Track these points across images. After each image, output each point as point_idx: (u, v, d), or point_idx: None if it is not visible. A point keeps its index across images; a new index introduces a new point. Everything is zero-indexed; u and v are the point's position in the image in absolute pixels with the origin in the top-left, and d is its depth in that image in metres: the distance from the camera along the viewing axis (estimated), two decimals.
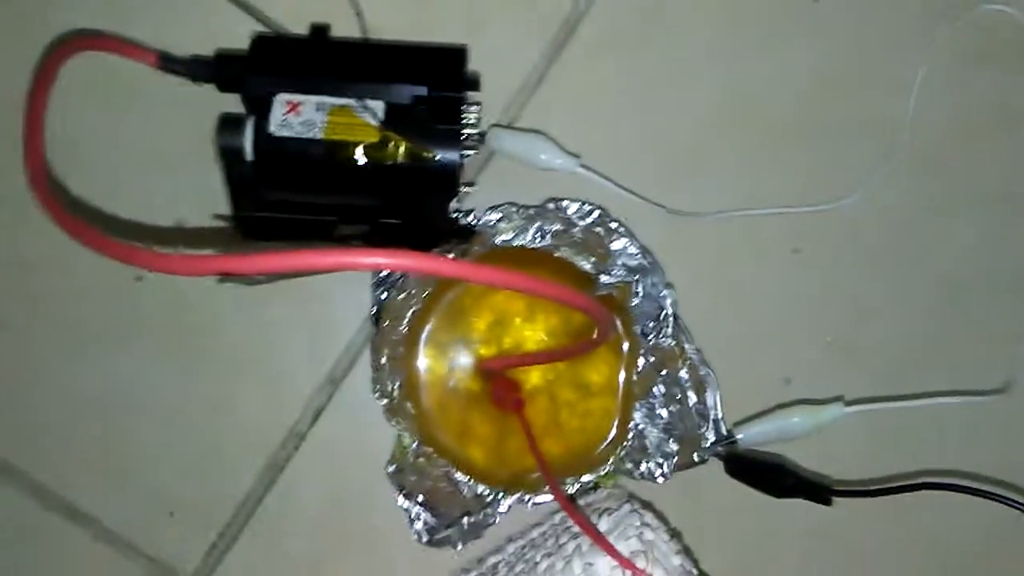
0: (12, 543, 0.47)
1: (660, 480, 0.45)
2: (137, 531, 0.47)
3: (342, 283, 0.47)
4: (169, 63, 0.43)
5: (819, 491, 0.43)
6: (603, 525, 0.38)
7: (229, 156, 0.40)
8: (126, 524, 0.47)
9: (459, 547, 0.45)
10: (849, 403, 0.46)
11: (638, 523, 0.38)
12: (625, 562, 0.34)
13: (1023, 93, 0.49)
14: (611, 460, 0.46)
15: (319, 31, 0.45)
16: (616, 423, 0.46)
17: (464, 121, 0.41)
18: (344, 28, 0.45)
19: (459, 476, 0.45)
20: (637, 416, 0.46)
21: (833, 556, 0.48)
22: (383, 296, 0.45)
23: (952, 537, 0.49)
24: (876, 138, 0.48)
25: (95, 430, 0.47)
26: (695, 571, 0.40)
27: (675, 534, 0.43)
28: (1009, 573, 0.50)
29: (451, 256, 0.45)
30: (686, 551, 0.42)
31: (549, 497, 0.45)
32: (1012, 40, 0.49)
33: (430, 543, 0.45)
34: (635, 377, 0.46)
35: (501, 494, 0.45)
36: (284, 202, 0.42)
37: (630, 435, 0.46)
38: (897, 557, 0.49)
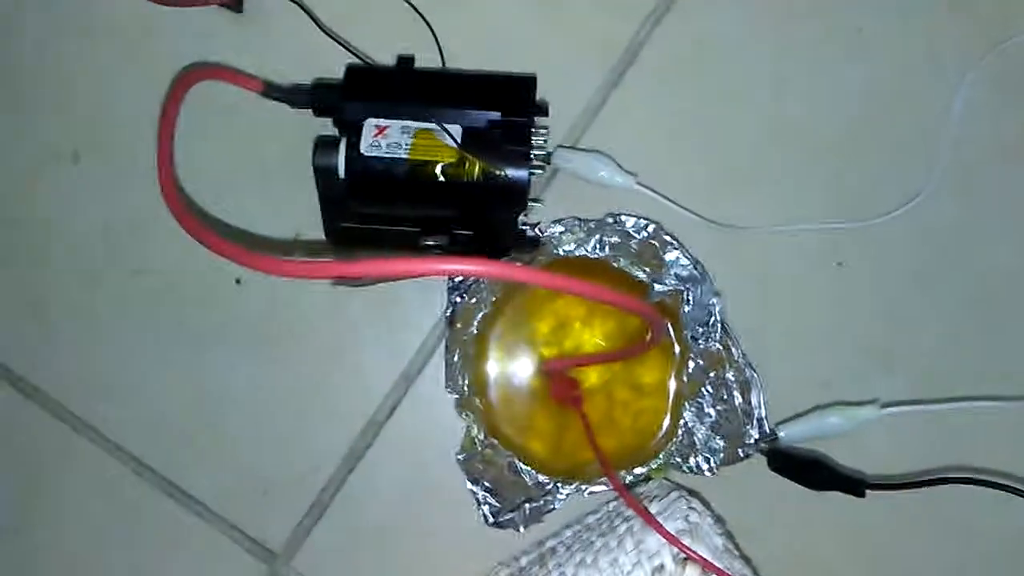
0: (126, 519, 0.53)
1: (707, 474, 0.49)
2: (235, 509, 0.52)
3: (417, 289, 0.51)
4: (272, 91, 0.48)
5: (854, 484, 0.46)
6: (653, 509, 0.42)
7: (324, 174, 0.45)
8: (227, 501, 0.52)
9: (521, 529, 0.49)
10: (885, 405, 0.48)
11: (685, 507, 0.42)
12: (672, 539, 0.38)
13: None
14: (661, 455, 0.49)
15: (405, 61, 0.50)
16: (666, 421, 0.50)
17: (532, 143, 0.45)
18: (425, 58, 0.50)
19: (522, 466, 0.50)
20: (686, 415, 0.49)
21: (866, 546, 0.51)
22: (456, 300, 0.50)
23: (976, 531, 0.51)
24: (917, 158, 0.51)
25: (199, 418, 0.52)
26: (737, 552, 0.43)
27: (719, 519, 0.47)
28: None
29: (519, 265, 0.49)
30: (728, 535, 0.46)
31: (603, 487, 0.49)
32: None
33: (495, 525, 0.49)
34: (685, 379, 0.50)
35: (560, 483, 0.49)
36: (371, 215, 0.47)
37: (680, 432, 0.49)
38: (924, 550, 0.51)
